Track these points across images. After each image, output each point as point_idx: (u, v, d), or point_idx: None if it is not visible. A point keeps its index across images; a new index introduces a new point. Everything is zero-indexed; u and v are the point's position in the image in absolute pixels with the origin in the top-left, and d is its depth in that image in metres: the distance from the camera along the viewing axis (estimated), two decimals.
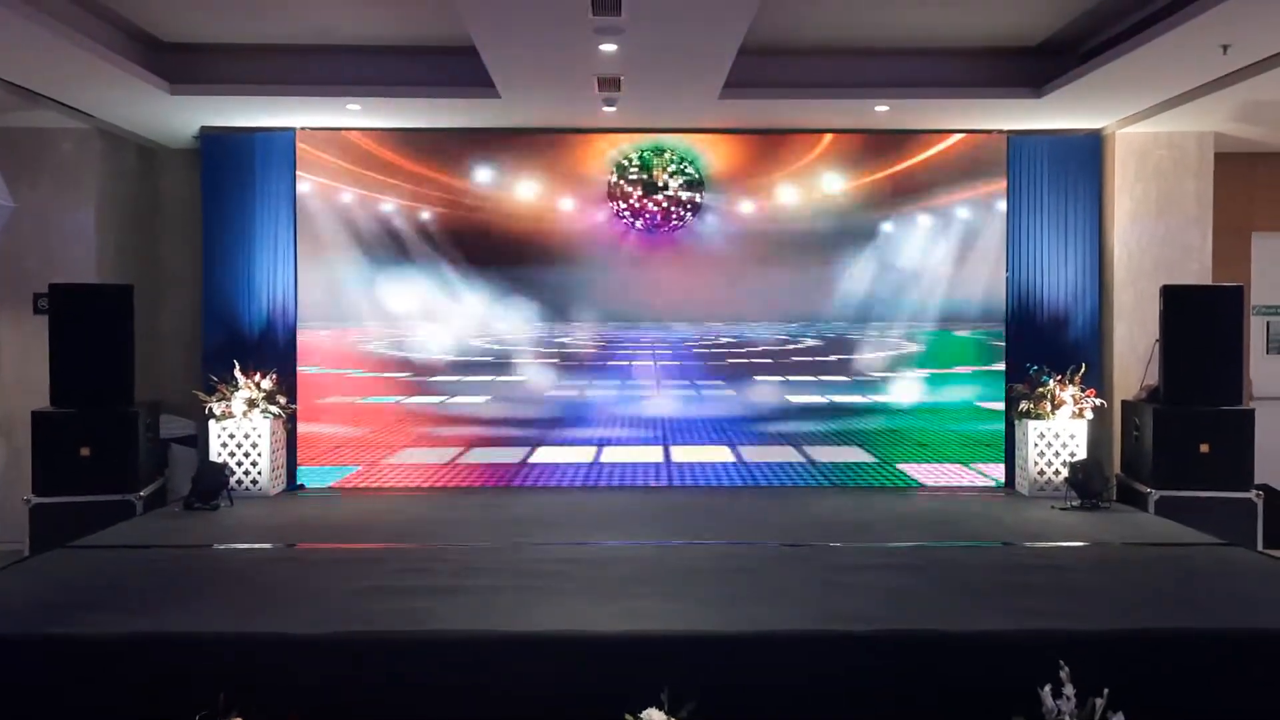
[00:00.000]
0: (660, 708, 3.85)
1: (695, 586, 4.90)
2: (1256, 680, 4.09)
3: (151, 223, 8.40)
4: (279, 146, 7.99)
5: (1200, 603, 4.69)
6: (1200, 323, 7.23)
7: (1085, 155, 8.07)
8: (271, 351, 7.95)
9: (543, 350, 8.20)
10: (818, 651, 4.14)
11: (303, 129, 7.99)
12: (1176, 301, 7.30)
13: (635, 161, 8.14)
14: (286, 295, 8.04)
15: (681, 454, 8.11)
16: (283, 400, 7.70)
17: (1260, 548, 6.76)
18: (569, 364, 8.21)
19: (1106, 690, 3.84)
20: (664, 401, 8.21)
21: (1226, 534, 6.35)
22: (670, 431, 8.16)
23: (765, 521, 6.66)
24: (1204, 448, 7.14)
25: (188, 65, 7.02)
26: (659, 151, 8.14)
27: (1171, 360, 7.28)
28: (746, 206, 8.17)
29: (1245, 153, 8.32)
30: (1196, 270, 7.86)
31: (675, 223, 8.16)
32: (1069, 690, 3.84)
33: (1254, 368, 8.44)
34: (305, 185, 8.02)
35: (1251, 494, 7.06)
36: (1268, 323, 8.67)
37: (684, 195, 8.14)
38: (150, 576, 5.16)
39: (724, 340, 8.25)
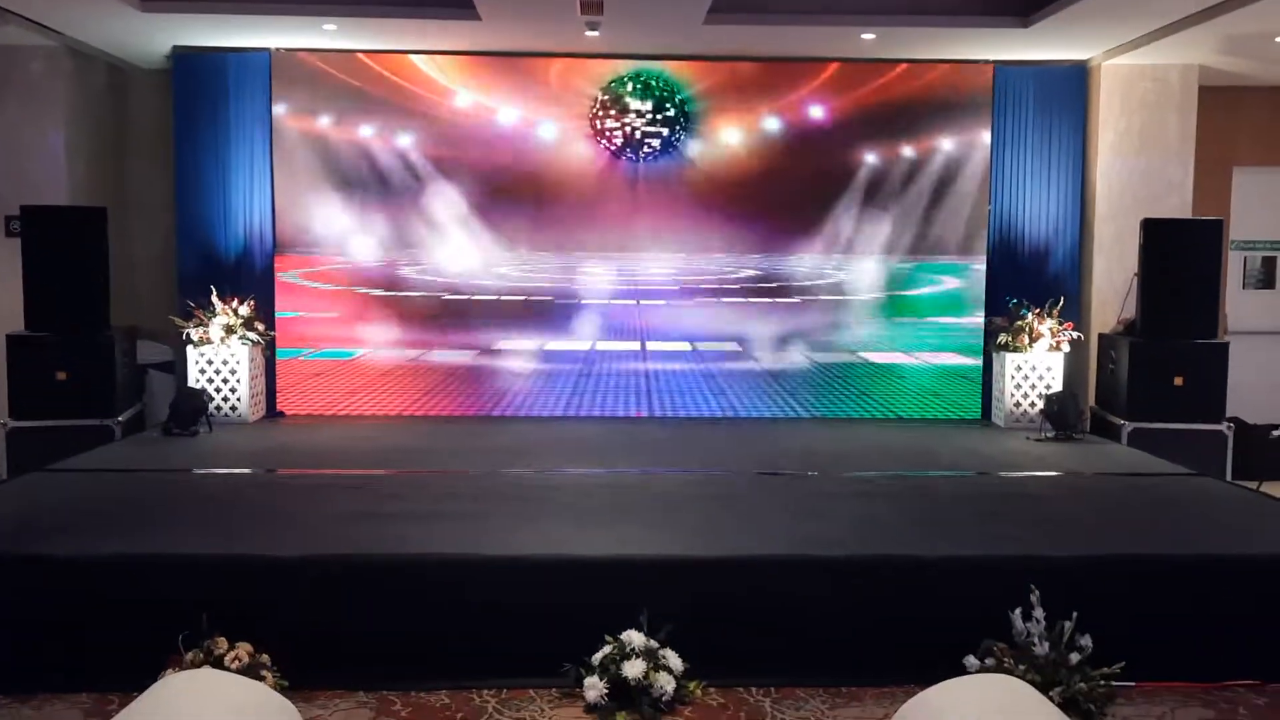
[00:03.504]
0: (639, 629, 3.92)
1: (675, 513, 4.96)
2: (1222, 604, 4.19)
3: (123, 145, 8.24)
4: (253, 68, 7.82)
5: (1169, 530, 4.78)
6: (1179, 257, 7.26)
7: (1071, 87, 8.02)
8: (249, 278, 7.87)
9: (519, 278, 8.15)
10: (794, 576, 4.21)
11: (278, 50, 7.82)
12: (1156, 235, 7.33)
13: (619, 88, 8.03)
14: (264, 221, 7.93)
15: (662, 383, 8.15)
16: (261, 327, 7.65)
17: (1229, 478, 6.88)
18: (546, 293, 8.17)
19: (1075, 614, 3.93)
20: (644, 327, 8.21)
21: (1197, 465, 6.46)
22: (654, 380, 8.18)
23: (744, 451, 6.71)
24: (1178, 381, 7.22)
25: None
26: (642, 78, 8.03)
27: (1149, 294, 7.33)
28: (731, 136, 8.10)
29: (1229, 86, 8.29)
30: (1177, 204, 7.88)
31: (658, 151, 8.07)
32: (1039, 613, 3.93)
33: (1230, 302, 8.51)
34: (281, 108, 7.88)
35: (1223, 426, 7.18)
36: (1245, 257, 8.72)
37: (667, 123, 8.04)
38: (131, 499, 5.16)
39: (705, 271, 8.22)
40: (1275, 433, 7.51)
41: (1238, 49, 7.28)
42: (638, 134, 8.02)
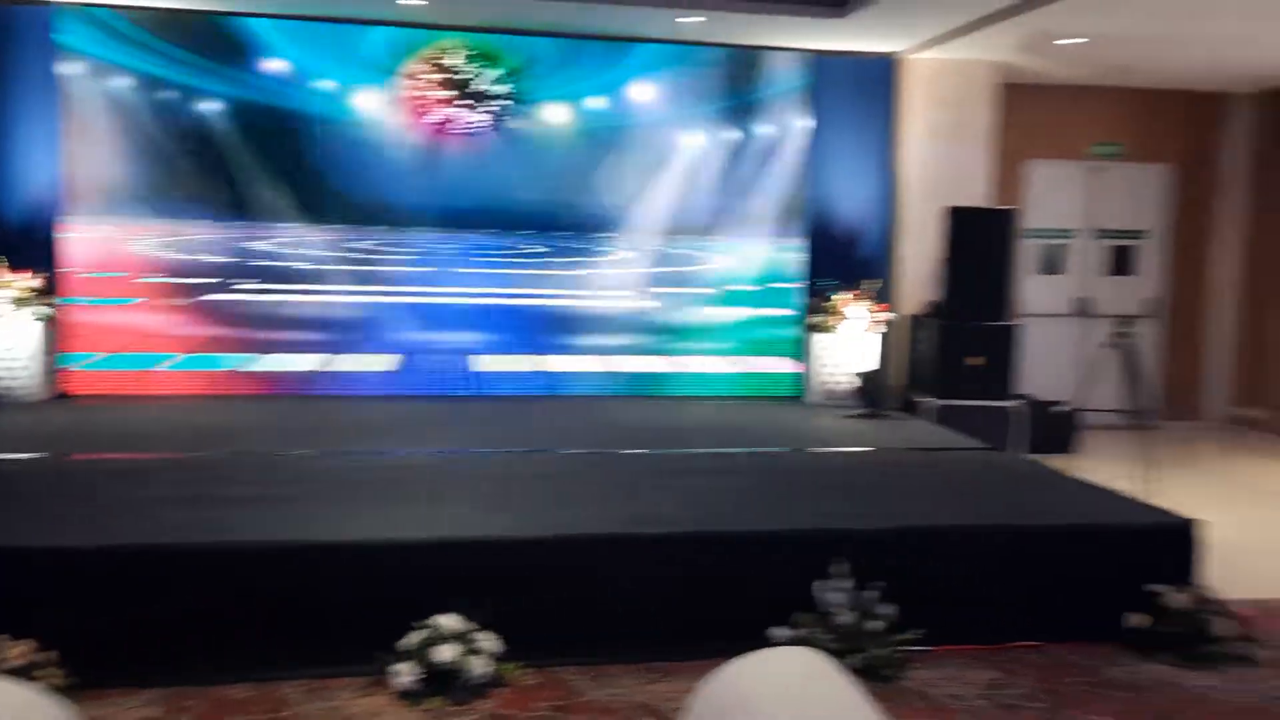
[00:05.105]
0: (456, 613, 3.86)
1: (501, 493, 4.91)
2: (1011, 571, 4.46)
3: None
4: (35, 22, 7.23)
5: (968, 502, 5.05)
6: (979, 243, 7.71)
7: (883, 78, 8.32)
8: (34, 248, 7.28)
9: (333, 253, 7.88)
10: (615, 554, 4.23)
11: (61, 3, 7.26)
12: (958, 222, 7.74)
13: (439, 59, 7.83)
14: (50, 187, 7.37)
15: (484, 363, 8.06)
16: (48, 300, 7.12)
17: (1024, 452, 7.33)
18: (362, 268, 7.94)
19: (878, 583, 4.10)
20: (461, 305, 8.08)
21: (995, 440, 6.87)
22: (478, 358, 8.06)
23: (570, 430, 6.71)
24: (978, 360, 7.66)
25: None
26: (463, 50, 7.86)
27: (952, 278, 7.74)
28: (554, 113, 8.03)
29: (1026, 84, 8.79)
30: (977, 194, 8.30)
31: (479, 126, 7.93)
32: (843, 584, 4.09)
33: (1023, 286, 9.05)
34: (72, 66, 7.32)
35: (1017, 403, 7.66)
36: (1036, 244, 9.29)
37: (487, 97, 7.92)
38: None
39: (527, 248, 8.15)
40: (1054, 408, 8.08)
41: (1030, 48, 7.73)
42: (457, 106, 7.86)
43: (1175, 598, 4.28)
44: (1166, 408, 9.35)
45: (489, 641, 3.82)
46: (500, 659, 3.85)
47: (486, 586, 4.03)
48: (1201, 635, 4.20)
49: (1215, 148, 9.58)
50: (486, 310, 8.10)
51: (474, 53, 7.86)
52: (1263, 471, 7.93)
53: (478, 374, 8.03)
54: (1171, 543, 4.56)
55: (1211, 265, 9.69)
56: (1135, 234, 9.55)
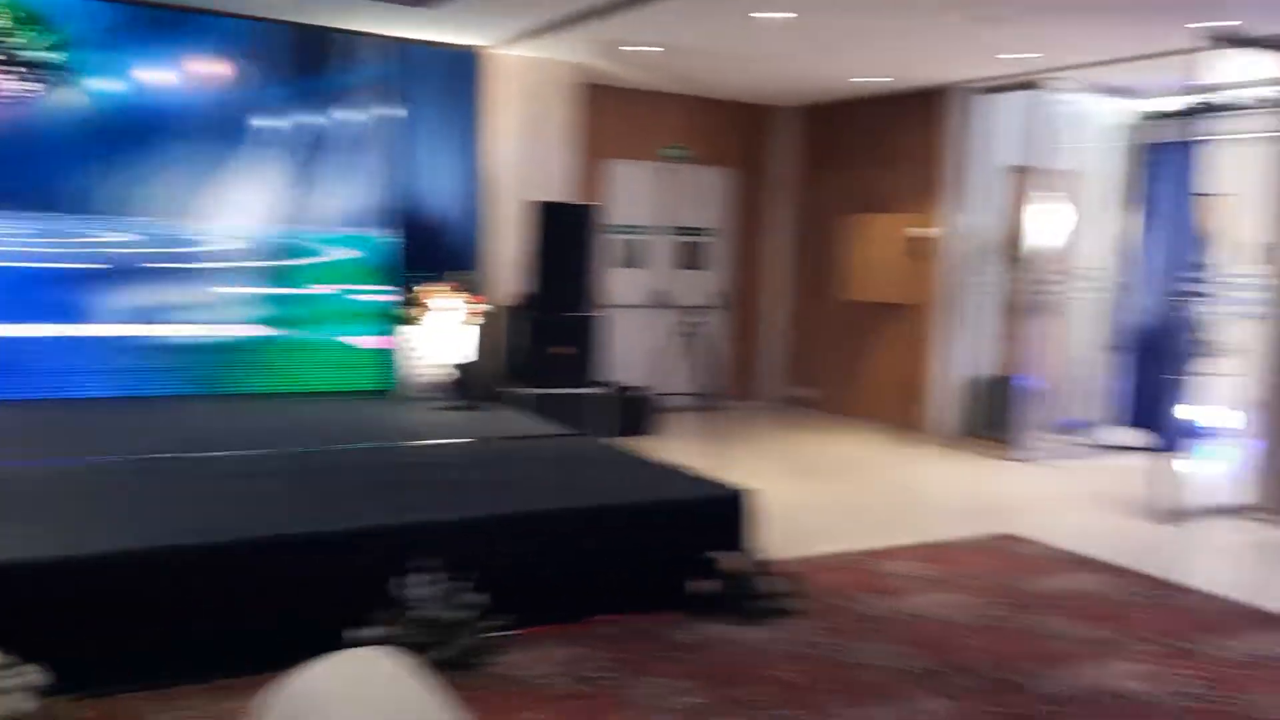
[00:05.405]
0: None
1: (45, 509, 4.40)
2: (599, 546, 4.69)
3: None
4: None
5: (555, 486, 5.24)
6: (565, 237, 8.05)
7: (471, 72, 8.42)
8: None
9: None
10: (173, 568, 3.93)
11: None
12: (545, 217, 8.04)
13: None
14: None
15: (34, 361, 7.15)
16: None
17: (610, 436, 7.75)
18: None
19: (474, 573, 4.14)
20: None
21: (584, 425, 7.20)
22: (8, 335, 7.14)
23: (131, 433, 6.12)
24: (566, 350, 8.00)
25: None
26: (5, 11, 6.91)
27: (541, 270, 8.02)
28: (111, 85, 7.27)
29: (608, 85, 9.29)
30: (563, 190, 8.66)
31: (17, 94, 7.01)
32: (435, 576, 4.09)
33: (607, 279, 9.57)
34: None
35: (603, 390, 8.10)
36: (618, 239, 9.86)
37: (31, 65, 7.01)
38: None
39: (85, 235, 7.34)
40: (634, 393, 8.68)
41: (602, 53, 8.19)
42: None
43: (731, 562, 4.73)
44: (732, 389, 10.34)
45: (30, 674, 3.39)
46: (48, 692, 3.44)
47: (27, 614, 3.59)
48: (755, 594, 4.68)
49: (768, 155, 10.70)
50: (32, 303, 7.18)
51: (20, 15, 6.93)
52: (812, 444, 9.01)
53: (26, 373, 7.08)
54: (729, 511, 5.02)
55: (766, 261, 10.81)
56: (703, 231, 10.43)
